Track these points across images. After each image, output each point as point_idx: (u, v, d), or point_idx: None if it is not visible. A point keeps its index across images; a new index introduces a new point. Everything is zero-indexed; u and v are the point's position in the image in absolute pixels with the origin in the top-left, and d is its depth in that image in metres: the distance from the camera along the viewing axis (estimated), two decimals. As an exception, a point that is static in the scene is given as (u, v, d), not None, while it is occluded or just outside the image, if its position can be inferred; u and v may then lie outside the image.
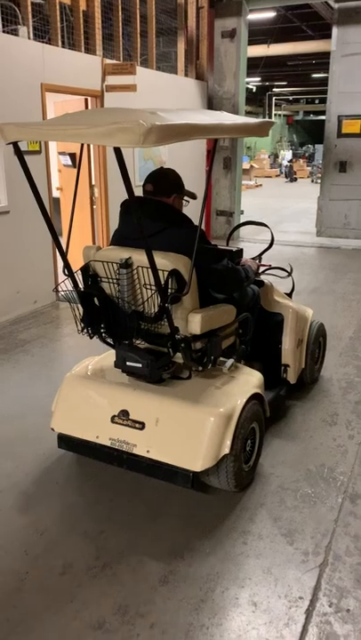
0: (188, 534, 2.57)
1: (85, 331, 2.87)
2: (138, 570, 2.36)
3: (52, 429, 2.97)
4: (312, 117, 32.54)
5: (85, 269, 2.80)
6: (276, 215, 12.96)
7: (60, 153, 6.65)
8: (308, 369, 3.82)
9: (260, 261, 3.58)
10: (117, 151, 2.11)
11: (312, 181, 21.66)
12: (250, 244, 9.31)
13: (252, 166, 22.74)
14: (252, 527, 2.62)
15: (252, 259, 3.49)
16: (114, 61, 6.52)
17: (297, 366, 3.66)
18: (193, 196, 2.92)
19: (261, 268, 3.54)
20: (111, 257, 2.69)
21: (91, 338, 2.91)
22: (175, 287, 2.57)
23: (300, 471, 3.04)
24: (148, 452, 2.66)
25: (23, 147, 5.47)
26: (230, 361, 2.94)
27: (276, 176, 24.64)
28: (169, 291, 2.54)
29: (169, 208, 2.79)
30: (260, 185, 20.71)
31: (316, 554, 2.45)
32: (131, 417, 2.73)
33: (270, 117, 29.97)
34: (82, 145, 2.88)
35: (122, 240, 2.81)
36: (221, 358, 2.96)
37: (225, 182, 9.70)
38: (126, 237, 2.77)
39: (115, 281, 2.69)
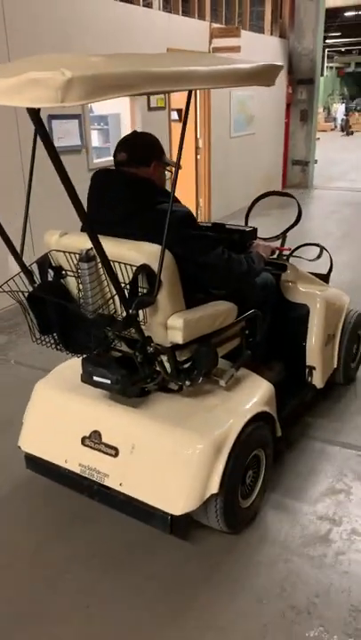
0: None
1: (41, 340, 2.26)
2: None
3: (19, 447, 2.50)
4: (365, 69, 32.07)
5: (43, 262, 2.23)
6: (342, 165, 13.62)
7: (172, 109, 7.52)
8: (341, 368, 3.19)
9: (282, 243, 2.97)
10: (32, 113, 1.55)
11: (369, 134, 21.86)
12: (325, 192, 10.11)
13: (307, 120, 22.97)
14: None
15: (273, 238, 2.90)
16: (219, 25, 7.35)
17: (325, 368, 3.03)
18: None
19: (284, 252, 2.94)
20: (73, 246, 2.12)
21: (56, 348, 2.29)
22: (147, 286, 2.02)
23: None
24: (120, 484, 2.19)
25: (152, 103, 6.48)
26: (230, 372, 2.39)
27: (331, 130, 24.82)
28: (139, 291, 2.01)
29: (146, 183, 2.23)
30: (318, 138, 21.07)
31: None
32: (103, 440, 2.26)
33: (323, 70, 29.80)
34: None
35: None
36: (221, 365, 2.36)
37: (301, 134, 10.47)
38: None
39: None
